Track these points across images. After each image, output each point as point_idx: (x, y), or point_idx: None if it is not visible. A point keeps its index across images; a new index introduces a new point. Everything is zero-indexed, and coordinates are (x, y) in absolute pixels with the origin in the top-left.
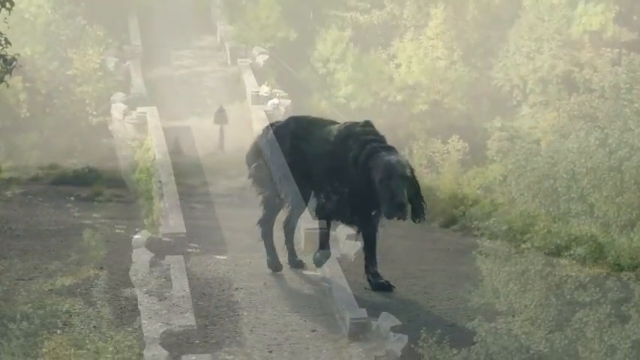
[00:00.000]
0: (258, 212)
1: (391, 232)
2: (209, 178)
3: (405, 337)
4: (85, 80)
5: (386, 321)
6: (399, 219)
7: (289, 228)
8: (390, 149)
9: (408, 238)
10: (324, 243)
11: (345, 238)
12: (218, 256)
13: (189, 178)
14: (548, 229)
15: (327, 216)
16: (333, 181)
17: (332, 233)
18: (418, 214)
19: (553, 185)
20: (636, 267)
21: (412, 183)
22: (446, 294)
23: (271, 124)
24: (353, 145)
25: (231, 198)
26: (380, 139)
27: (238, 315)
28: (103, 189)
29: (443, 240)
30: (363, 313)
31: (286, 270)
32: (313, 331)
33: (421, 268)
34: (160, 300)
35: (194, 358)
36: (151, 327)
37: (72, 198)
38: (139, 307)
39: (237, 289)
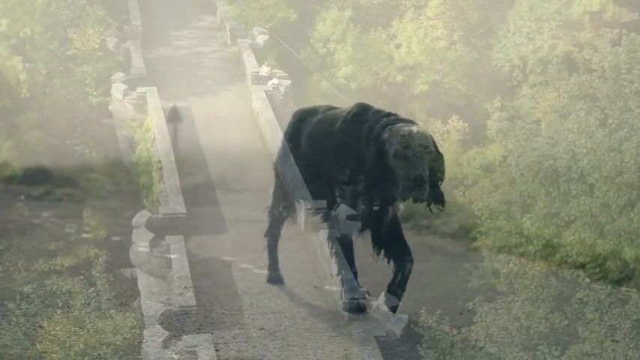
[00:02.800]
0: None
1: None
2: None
3: (406, 317)
4: (85, 60)
5: (386, 301)
6: (416, 201)
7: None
8: (409, 121)
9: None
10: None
11: (346, 218)
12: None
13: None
14: (497, 228)
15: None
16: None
17: (332, 213)
18: (438, 198)
19: (553, 165)
20: (585, 264)
21: (435, 159)
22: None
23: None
24: (368, 120)
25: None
26: (395, 115)
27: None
28: (53, 188)
29: None
30: (363, 293)
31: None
32: (314, 311)
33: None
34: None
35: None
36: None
37: (22, 197)
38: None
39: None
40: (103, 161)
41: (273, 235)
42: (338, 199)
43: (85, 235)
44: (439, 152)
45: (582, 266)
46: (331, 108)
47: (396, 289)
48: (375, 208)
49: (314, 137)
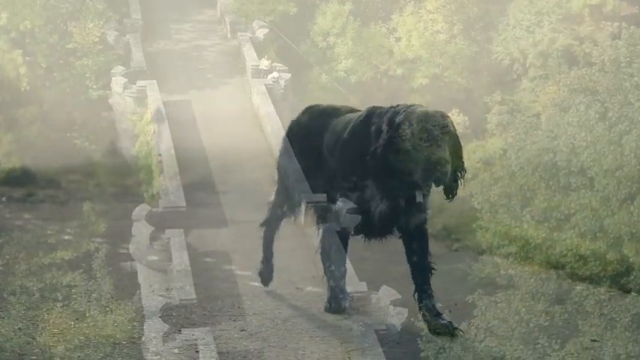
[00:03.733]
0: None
1: None
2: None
3: (406, 311)
4: (85, 54)
5: (386, 295)
6: (438, 185)
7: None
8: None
9: None
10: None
11: (346, 212)
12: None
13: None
14: (479, 228)
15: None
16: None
17: (332, 207)
18: (454, 187)
19: (553, 159)
20: (565, 265)
21: (454, 142)
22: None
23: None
24: (375, 122)
25: None
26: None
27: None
28: (36, 190)
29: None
30: (363, 286)
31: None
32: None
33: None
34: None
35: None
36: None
37: (4, 199)
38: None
39: None
40: (102, 155)
41: (270, 227)
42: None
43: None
44: (458, 137)
45: (583, 260)
46: (352, 110)
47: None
48: (401, 200)
49: (329, 142)
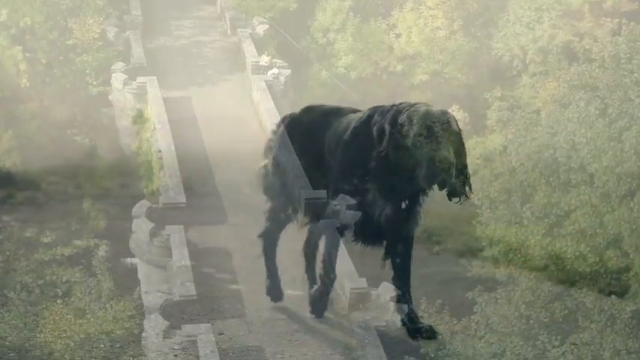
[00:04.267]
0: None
1: None
2: None
3: (406, 307)
4: (85, 50)
5: (386, 291)
6: (442, 187)
7: (310, 251)
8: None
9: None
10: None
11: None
12: None
13: None
14: (460, 232)
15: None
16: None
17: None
18: (460, 189)
19: (553, 155)
20: (546, 267)
21: (458, 142)
22: None
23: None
24: (377, 121)
25: None
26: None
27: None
28: (15, 191)
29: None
30: (363, 282)
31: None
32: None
33: None
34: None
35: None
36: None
37: None
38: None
39: None
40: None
41: (271, 239)
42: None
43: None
44: (462, 137)
45: (582, 256)
46: (353, 110)
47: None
48: (403, 203)
49: (330, 144)
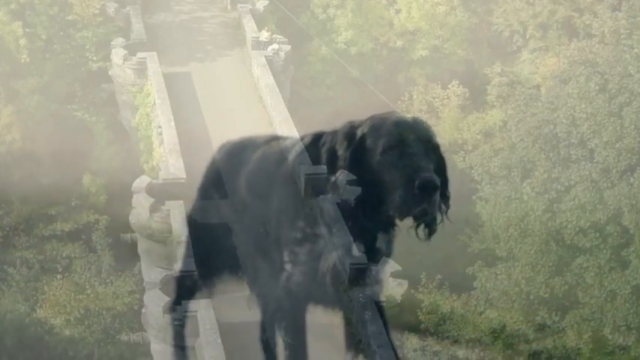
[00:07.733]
0: None
1: None
2: None
3: (406, 283)
4: (85, 25)
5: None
6: (420, 216)
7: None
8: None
9: None
10: None
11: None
12: None
13: None
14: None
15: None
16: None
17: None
18: (438, 220)
19: (553, 130)
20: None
21: (439, 157)
22: None
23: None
24: (325, 142)
25: None
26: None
27: None
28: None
29: None
30: (362, 258)
31: None
32: None
33: None
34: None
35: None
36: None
37: None
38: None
39: None
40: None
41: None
42: (287, 267)
43: None
44: (441, 152)
45: (582, 232)
46: (275, 138)
47: None
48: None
49: (254, 184)
